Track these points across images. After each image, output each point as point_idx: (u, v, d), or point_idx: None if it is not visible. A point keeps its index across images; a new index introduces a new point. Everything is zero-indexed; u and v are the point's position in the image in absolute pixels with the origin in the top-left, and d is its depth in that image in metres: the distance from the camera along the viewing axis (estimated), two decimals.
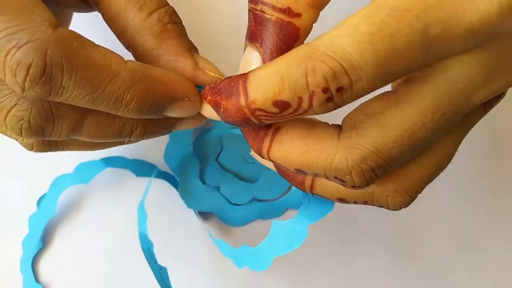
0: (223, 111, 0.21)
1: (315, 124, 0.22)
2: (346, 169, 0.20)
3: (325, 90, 0.18)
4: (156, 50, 0.23)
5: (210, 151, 0.36)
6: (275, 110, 0.20)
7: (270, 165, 0.25)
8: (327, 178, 0.22)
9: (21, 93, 0.20)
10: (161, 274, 0.33)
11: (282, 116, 0.20)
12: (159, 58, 0.24)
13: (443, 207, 0.36)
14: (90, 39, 0.21)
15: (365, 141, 0.20)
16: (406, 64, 0.18)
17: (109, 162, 0.35)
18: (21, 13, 0.19)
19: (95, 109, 0.22)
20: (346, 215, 0.35)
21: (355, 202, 0.24)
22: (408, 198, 0.23)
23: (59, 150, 0.25)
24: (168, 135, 0.35)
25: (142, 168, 0.35)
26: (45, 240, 0.35)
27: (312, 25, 0.21)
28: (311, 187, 0.24)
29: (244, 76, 0.20)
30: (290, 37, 0.21)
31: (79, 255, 0.35)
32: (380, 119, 0.20)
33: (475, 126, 0.23)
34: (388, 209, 0.23)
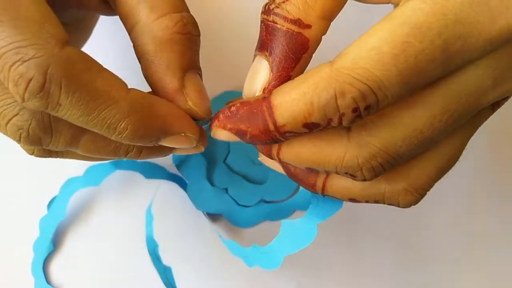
0: (250, 137, 0.21)
1: None
2: (357, 166, 0.21)
3: (355, 110, 0.19)
4: (151, 57, 0.23)
5: (217, 153, 0.36)
6: (305, 130, 0.20)
7: (278, 168, 0.25)
8: (337, 173, 0.22)
9: (21, 102, 0.20)
10: (165, 273, 0.33)
11: (312, 133, 0.21)
12: (151, 67, 0.23)
13: (450, 208, 0.36)
14: (99, 62, 0.21)
15: (374, 140, 0.21)
16: (428, 78, 0.19)
17: (118, 164, 0.35)
18: (31, 27, 0.19)
19: None
20: (353, 216, 0.35)
21: (366, 201, 0.24)
22: (418, 196, 0.23)
23: (58, 157, 0.25)
24: None
25: (151, 170, 0.35)
26: (56, 242, 0.35)
27: (321, 37, 0.22)
28: (323, 189, 0.24)
29: (266, 101, 0.21)
30: (300, 47, 0.21)
31: (90, 257, 0.35)
32: (389, 118, 0.21)
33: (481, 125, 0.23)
34: (398, 207, 0.24)
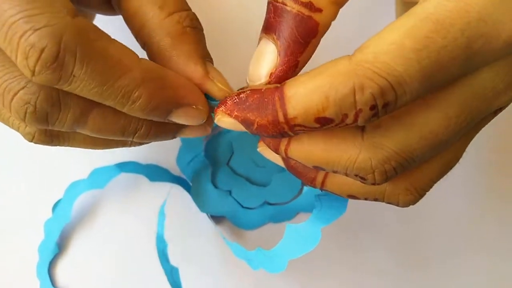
0: (256, 127, 0.20)
1: None
2: (370, 168, 0.21)
3: (373, 107, 0.19)
4: (170, 51, 0.23)
5: (221, 155, 0.36)
6: (316, 125, 0.19)
7: (278, 160, 0.25)
8: (346, 175, 0.22)
9: (30, 76, 0.19)
10: (172, 274, 0.33)
11: (322, 129, 0.20)
12: (171, 60, 0.23)
13: (451, 208, 0.36)
14: (107, 33, 0.21)
15: (389, 142, 0.20)
16: (449, 76, 0.19)
17: (123, 167, 0.35)
18: None
19: (102, 103, 0.21)
20: (356, 219, 0.35)
21: (365, 199, 0.24)
22: (418, 196, 0.23)
23: (60, 143, 0.24)
24: (180, 140, 0.36)
25: (155, 173, 0.35)
26: (61, 245, 0.35)
27: (331, 22, 0.21)
28: (322, 184, 0.24)
29: (279, 91, 0.20)
30: (309, 32, 0.21)
31: (95, 260, 0.35)
32: (404, 120, 0.20)
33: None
34: (397, 206, 0.23)
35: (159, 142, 0.35)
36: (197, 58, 0.23)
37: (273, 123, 0.20)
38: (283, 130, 0.20)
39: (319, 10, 0.21)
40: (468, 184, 0.36)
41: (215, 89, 0.23)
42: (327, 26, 0.21)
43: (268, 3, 0.22)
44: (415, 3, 0.20)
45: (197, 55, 0.23)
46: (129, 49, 0.21)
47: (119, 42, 0.21)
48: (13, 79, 0.21)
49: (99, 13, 0.27)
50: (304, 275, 0.35)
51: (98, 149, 0.25)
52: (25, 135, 0.23)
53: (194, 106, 0.23)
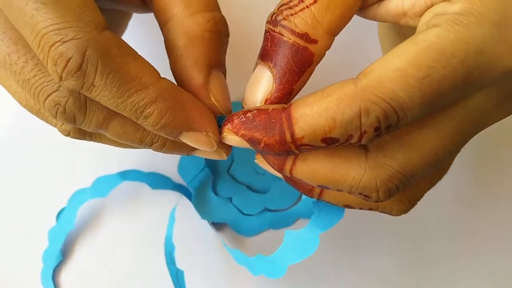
0: (263, 146, 0.21)
1: None
2: (374, 188, 0.21)
3: (376, 129, 0.19)
4: (181, 51, 0.23)
5: (221, 163, 0.36)
6: (322, 144, 0.20)
7: (276, 172, 0.25)
8: (349, 193, 0.22)
9: (58, 81, 0.21)
10: (177, 277, 0.33)
11: (327, 148, 0.20)
12: (180, 61, 0.24)
13: (453, 216, 0.36)
14: (135, 50, 0.22)
15: (392, 162, 0.21)
16: (446, 102, 0.20)
17: (125, 175, 0.35)
18: (72, 11, 0.20)
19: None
20: (354, 226, 0.36)
21: (361, 208, 0.24)
22: (410, 206, 0.24)
23: (92, 140, 0.25)
24: None
25: (157, 181, 0.36)
26: (65, 253, 0.35)
27: (325, 52, 0.22)
28: (320, 194, 0.25)
29: (286, 112, 0.20)
30: (304, 62, 0.21)
31: (99, 267, 0.35)
32: (405, 140, 0.21)
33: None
34: (390, 215, 0.24)
35: None
36: (202, 65, 0.23)
37: (280, 142, 0.21)
38: (289, 149, 0.21)
39: (315, 41, 0.21)
40: (467, 188, 0.37)
41: (208, 103, 0.24)
42: (321, 56, 0.22)
43: (266, 31, 0.22)
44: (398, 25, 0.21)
45: (205, 62, 0.24)
46: (151, 67, 0.22)
47: (143, 59, 0.22)
48: (47, 82, 0.22)
49: (134, 11, 0.28)
50: (303, 280, 0.35)
51: (124, 148, 0.26)
52: (62, 131, 0.25)
53: (204, 132, 0.23)
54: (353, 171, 0.21)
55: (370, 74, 0.19)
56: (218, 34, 0.24)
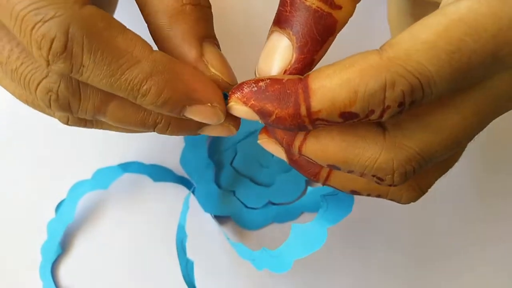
0: (274, 119, 0.20)
1: None
2: (391, 169, 0.20)
3: (400, 104, 0.18)
4: (167, 31, 0.22)
5: (224, 155, 0.36)
6: (340, 120, 0.19)
7: (280, 153, 0.24)
8: (361, 175, 0.21)
9: (46, 66, 0.20)
10: (187, 266, 0.33)
11: (343, 124, 0.19)
12: (168, 41, 0.22)
13: (459, 211, 0.36)
14: (120, 23, 0.21)
15: (411, 142, 0.20)
16: (473, 79, 0.19)
17: (126, 167, 0.35)
18: None
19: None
20: (362, 220, 0.35)
21: (368, 195, 0.24)
22: (421, 193, 0.23)
23: (93, 127, 0.24)
24: (183, 140, 0.36)
25: (159, 173, 0.35)
26: (64, 245, 0.35)
27: (348, 20, 0.21)
28: (326, 178, 0.23)
29: (303, 83, 0.19)
30: (328, 29, 0.20)
31: (98, 260, 0.35)
32: (424, 120, 0.20)
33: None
34: (399, 203, 0.23)
35: (163, 141, 0.36)
36: (191, 38, 0.22)
37: (293, 115, 0.19)
38: (303, 124, 0.20)
39: (339, 7, 0.20)
40: (474, 183, 0.36)
41: (209, 74, 0.22)
42: (344, 24, 0.21)
43: None
44: None
45: (193, 35, 0.22)
46: (141, 39, 0.21)
47: (131, 32, 0.21)
48: (36, 69, 0.21)
49: None
50: (308, 275, 0.35)
51: (128, 132, 0.25)
52: (60, 119, 0.24)
53: (209, 104, 0.22)
54: (369, 150, 0.20)
55: (397, 46, 0.18)
56: (199, 6, 0.22)
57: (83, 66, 0.20)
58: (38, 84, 0.21)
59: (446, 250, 0.36)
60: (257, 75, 0.22)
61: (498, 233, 0.36)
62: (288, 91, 0.19)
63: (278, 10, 0.21)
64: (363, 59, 0.19)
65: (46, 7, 0.19)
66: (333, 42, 0.21)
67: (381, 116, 0.19)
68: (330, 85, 0.19)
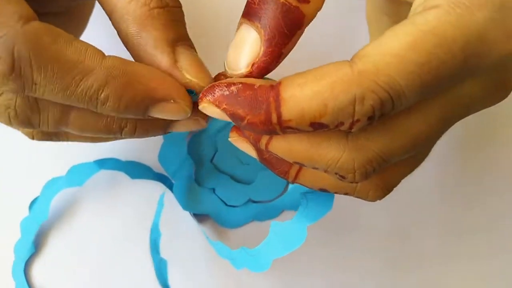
0: (246, 124, 0.20)
1: None
2: (351, 169, 0.21)
3: (370, 118, 0.19)
4: (137, 39, 0.22)
5: (204, 152, 0.36)
6: (310, 129, 0.19)
7: (250, 151, 0.24)
8: (325, 172, 0.22)
9: (1, 86, 0.19)
10: (160, 266, 0.33)
11: (313, 132, 0.20)
12: (139, 49, 0.22)
13: (440, 211, 0.36)
14: (68, 34, 0.20)
15: (373, 145, 0.20)
16: (441, 89, 0.19)
17: (102, 164, 0.35)
18: None
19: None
20: (342, 219, 0.35)
21: (336, 192, 0.24)
22: (387, 192, 0.24)
23: (59, 140, 0.24)
24: (162, 136, 0.35)
25: (136, 170, 0.35)
26: (38, 244, 0.35)
27: (316, 14, 0.21)
28: (295, 177, 0.24)
29: (275, 91, 0.19)
30: (295, 23, 0.20)
31: (73, 259, 0.35)
32: (389, 125, 0.20)
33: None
34: (366, 200, 0.24)
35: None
36: (163, 45, 0.22)
37: (264, 123, 0.20)
38: (274, 130, 0.20)
39: (307, 1, 0.20)
40: (454, 184, 0.36)
41: (184, 81, 0.22)
42: (311, 19, 0.21)
43: None
44: None
45: (164, 41, 0.22)
46: (92, 47, 0.20)
47: (80, 42, 0.20)
48: None
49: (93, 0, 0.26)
50: (287, 274, 0.35)
51: (97, 142, 0.25)
52: (26, 134, 0.24)
53: (172, 101, 0.21)
54: (332, 150, 0.21)
55: (366, 58, 0.18)
56: (167, 8, 0.22)
57: (35, 84, 0.19)
58: None
59: (428, 254, 0.36)
60: (226, 68, 0.22)
61: (482, 235, 0.36)
62: (259, 99, 0.20)
63: (247, 1, 0.21)
64: (335, 71, 0.19)
65: None
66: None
67: (350, 128, 0.19)
68: (301, 95, 0.19)
